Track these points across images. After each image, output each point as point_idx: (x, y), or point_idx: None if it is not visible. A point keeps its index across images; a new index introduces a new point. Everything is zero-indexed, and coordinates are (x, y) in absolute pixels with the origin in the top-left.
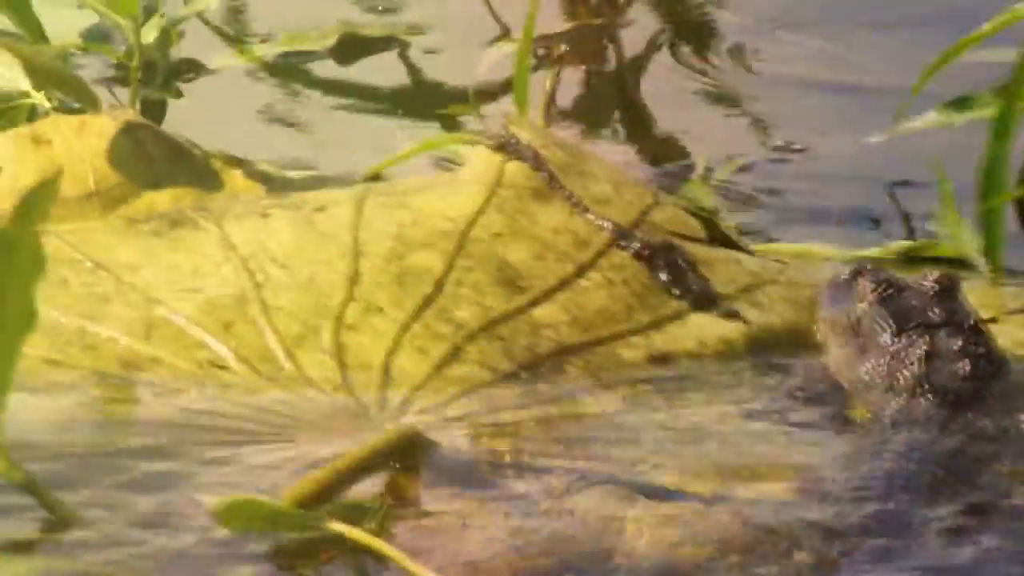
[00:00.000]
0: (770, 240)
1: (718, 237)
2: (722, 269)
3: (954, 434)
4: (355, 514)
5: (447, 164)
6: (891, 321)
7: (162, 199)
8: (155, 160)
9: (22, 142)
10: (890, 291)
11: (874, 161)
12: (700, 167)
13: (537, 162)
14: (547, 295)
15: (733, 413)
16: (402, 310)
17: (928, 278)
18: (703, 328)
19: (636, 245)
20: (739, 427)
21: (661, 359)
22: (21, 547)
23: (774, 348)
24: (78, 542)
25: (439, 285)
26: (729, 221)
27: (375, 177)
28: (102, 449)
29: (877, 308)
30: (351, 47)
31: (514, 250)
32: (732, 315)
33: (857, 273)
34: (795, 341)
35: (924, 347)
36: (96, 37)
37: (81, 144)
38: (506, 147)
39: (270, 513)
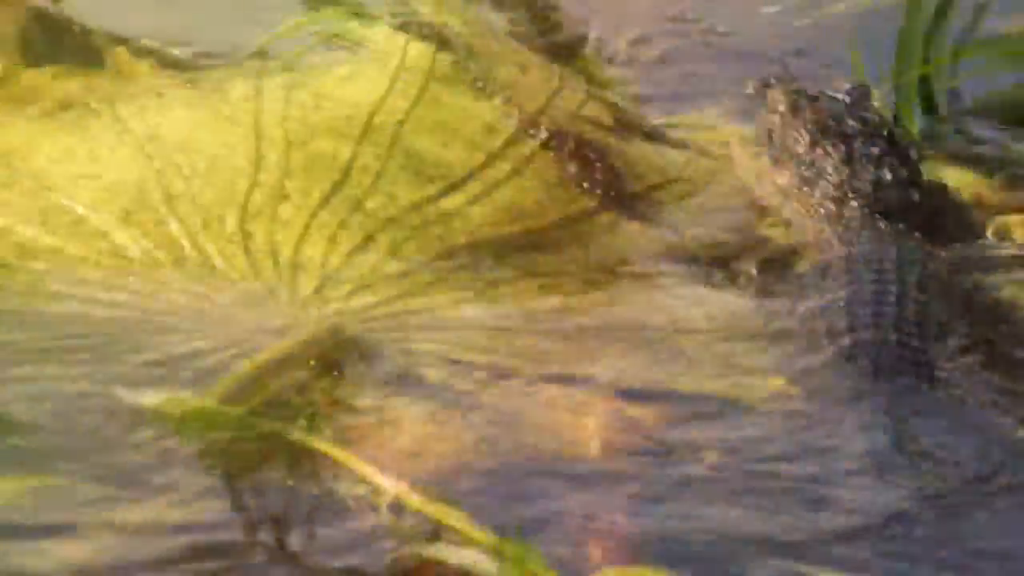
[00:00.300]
0: (670, 113)
1: (623, 121)
2: (631, 162)
3: (908, 249)
4: (285, 413)
5: (340, 40)
6: (806, 130)
7: (44, 79)
8: (34, 38)
9: None
10: (803, 101)
11: (776, 36)
12: (591, 39)
13: (441, 42)
14: (456, 186)
15: (664, 302)
16: (309, 197)
17: (841, 88)
18: (613, 227)
19: (544, 135)
20: (676, 314)
21: (572, 257)
22: None
23: (684, 248)
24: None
25: (346, 172)
26: (626, 92)
27: (263, 53)
28: (14, 345)
29: (790, 118)
30: None
31: (421, 137)
32: (641, 214)
33: (766, 85)
34: (702, 240)
35: (842, 154)
36: None
37: None
38: (408, 25)
39: (203, 413)
